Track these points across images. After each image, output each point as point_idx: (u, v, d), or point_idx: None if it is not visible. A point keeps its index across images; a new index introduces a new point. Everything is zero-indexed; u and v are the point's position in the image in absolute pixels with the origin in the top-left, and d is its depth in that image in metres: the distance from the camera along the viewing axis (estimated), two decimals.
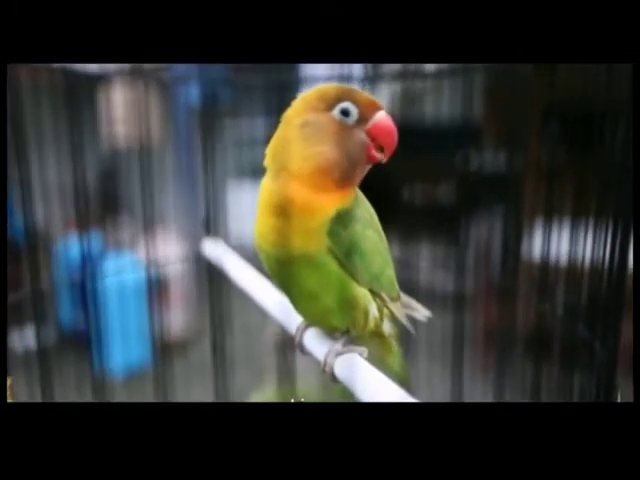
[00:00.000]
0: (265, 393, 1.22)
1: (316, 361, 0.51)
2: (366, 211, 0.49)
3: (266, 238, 0.47)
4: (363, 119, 0.45)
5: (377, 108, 0.46)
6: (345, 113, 0.45)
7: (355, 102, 0.45)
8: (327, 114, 0.45)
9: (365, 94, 0.46)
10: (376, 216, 0.51)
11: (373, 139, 0.46)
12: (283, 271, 0.47)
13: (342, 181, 0.46)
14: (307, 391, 1.06)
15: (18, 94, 0.57)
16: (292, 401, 0.72)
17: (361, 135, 0.45)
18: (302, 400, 0.75)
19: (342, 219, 0.45)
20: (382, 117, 0.46)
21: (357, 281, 0.47)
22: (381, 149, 0.46)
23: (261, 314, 0.65)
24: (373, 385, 0.43)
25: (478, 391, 0.64)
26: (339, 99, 0.45)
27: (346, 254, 0.46)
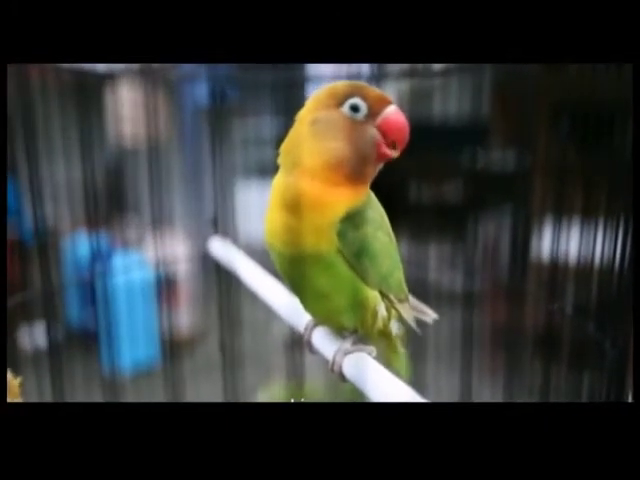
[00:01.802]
0: (272, 391, 1.23)
1: (325, 359, 0.51)
2: (377, 212, 0.49)
3: (276, 236, 0.47)
4: (373, 114, 0.45)
5: (387, 103, 0.45)
6: (354, 109, 0.45)
7: (364, 97, 0.45)
8: (337, 110, 0.45)
9: (375, 89, 0.46)
10: (386, 217, 0.50)
11: (384, 134, 0.45)
12: (293, 270, 0.48)
13: (353, 177, 0.45)
14: (315, 389, 1.06)
15: (27, 94, 0.57)
16: (292, 401, 0.72)
17: (372, 130, 0.45)
18: (303, 400, 0.75)
19: (352, 220, 0.45)
20: (392, 111, 0.45)
21: (366, 282, 0.47)
22: (393, 145, 0.46)
23: (269, 313, 0.65)
24: (382, 384, 0.43)
25: (487, 391, 0.64)
26: (348, 95, 0.45)
27: (355, 255, 0.46)
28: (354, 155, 0.45)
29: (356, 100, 0.45)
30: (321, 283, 0.47)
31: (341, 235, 0.45)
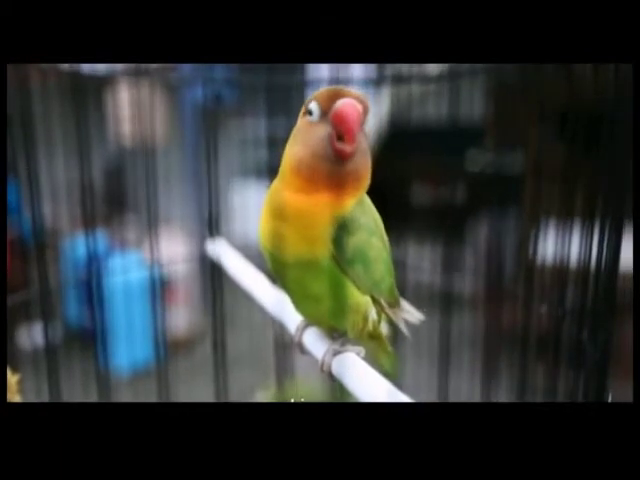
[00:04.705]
0: (268, 391, 1.23)
1: (316, 360, 0.52)
2: (371, 217, 0.49)
3: (269, 240, 0.48)
4: (325, 112, 0.45)
5: (337, 97, 0.44)
6: (309, 112, 0.46)
7: (317, 99, 0.45)
8: (302, 119, 0.47)
9: (330, 89, 0.45)
10: (381, 221, 0.51)
11: (335, 129, 0.44)
12: (286, 273, 0.48)
13: (316, 179, 0.44)
14: (309, 389, 1.06)
15: (26, 94, 0.57)
16: (292, 401, 0.73)
17: (325, 128, 0.44)
18: (302, 400, 0.76)
19: (347, 226, 0.46)
20: (338, 104, 0.43)
21: (358, 288, 0.48)
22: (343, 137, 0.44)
23: (263, 313, 0.66)
24: (369, 383, 0.44)
25: (475, 391, 0.64)
26: (308, 102, 0.46)
27: (349, 261, 0.46)
28: (308, 154, 0.44)
29: (311, 104, 0.46)
30: (314, 287, 0.47)
31: (336, 242, 0.46)
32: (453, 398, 0.56)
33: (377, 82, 0.82)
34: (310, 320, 0.55)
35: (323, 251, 0.46)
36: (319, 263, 0.46)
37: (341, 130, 0.43)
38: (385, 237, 0.51)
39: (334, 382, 0.49)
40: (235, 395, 0.79)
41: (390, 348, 0.56)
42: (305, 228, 0.45)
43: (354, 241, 0.46)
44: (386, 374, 0.49)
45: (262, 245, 0.50)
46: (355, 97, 0.44)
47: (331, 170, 0.44)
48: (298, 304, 0.52)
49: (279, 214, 0.46)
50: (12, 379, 0.53)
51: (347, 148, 0.43)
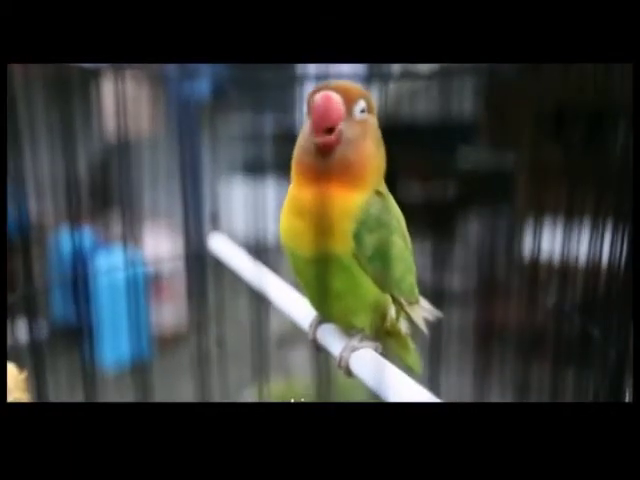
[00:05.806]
0: (256, 388, 1.23)
1: (306, 356, 0.51)
2: (393, 215, 0.49)
3: (290, 237, 0.48)
4: (309, 109, 0.46)
5: (317, 92, 0.45)
6: (307, 112, 0.47)
7: (308, 96, 0.47)
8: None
9: (316, 86, 0.46)
10: (403, 219, 0.51)
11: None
12: (308, 270, 0.48)
13: (305, 173, 0.46)
14: (304, 386, 1.06)
15: (13, 87, 0.56)
16: (292, 401, 0.73)
17: (310, 123, 0.46)
18: (302, 400, 0.76)
19: (368, 223, 0.46)
20: (315, 98, 0.44)
21: (378, 286, 0.48)
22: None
23: (261, 309, 0.65)
24: (388, 379, 0.43)
25: (481, 391, 0.65)
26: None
27: (370, 259, 0.46)
28: (298, 150, 0.47)
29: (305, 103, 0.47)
30: (335, 285, 0.47)
31: (357, 238, 0.45)
32: (463, 398, 0.56)
33: (371, 79, 0.81)
34: (330, 318, 0.54)
35: (344, 248, 0.46)
36: (340, 259, 0.46)
37: (313, 121, 0.44)
38: (407, 235, 0.51)
39: (352, 377, 0.49)
40: (230, 392, 0.79)
41: (411, 344, 0.56)
42: (316, 222, 0.45)
43: (375, 238, 0.46)
44: (409, 369, 0.49)
45: (283, 242, 0.49)
46: (335, 88, 0.44)
47: (315, 163, 0.45)
48: (318, 301, 0.51)
49: (292, 210, 0.48)
50: (20, 377, 0.52)
51: (318, 140, 0.44)
